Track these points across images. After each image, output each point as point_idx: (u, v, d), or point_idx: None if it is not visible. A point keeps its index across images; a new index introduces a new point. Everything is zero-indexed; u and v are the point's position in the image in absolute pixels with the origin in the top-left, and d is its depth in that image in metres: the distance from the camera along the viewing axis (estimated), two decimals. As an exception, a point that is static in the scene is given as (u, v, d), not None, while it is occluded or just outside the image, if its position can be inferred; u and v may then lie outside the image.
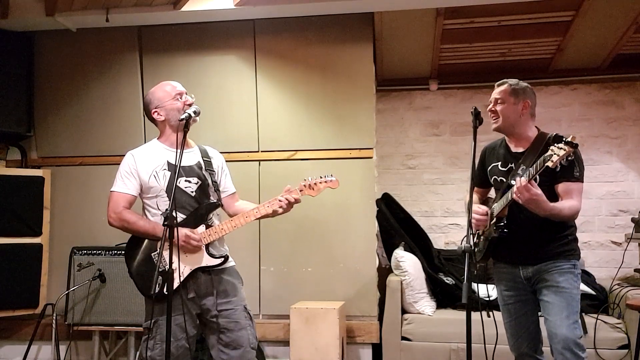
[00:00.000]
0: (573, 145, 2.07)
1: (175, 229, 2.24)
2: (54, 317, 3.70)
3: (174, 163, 2.44)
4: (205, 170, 2.57)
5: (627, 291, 3.63)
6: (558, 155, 2.08)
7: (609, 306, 3.74)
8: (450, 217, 4.71)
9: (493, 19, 3.93)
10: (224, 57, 4.00)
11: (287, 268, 3.84)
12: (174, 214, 2.35)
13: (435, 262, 4.15)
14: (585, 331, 3.43)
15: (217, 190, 2.60)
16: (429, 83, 4.76)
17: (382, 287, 3.85)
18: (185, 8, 3.75)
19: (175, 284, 2.41)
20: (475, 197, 2.70)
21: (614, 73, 4.52)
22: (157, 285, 2.28)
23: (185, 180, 2.51)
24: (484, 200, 2.74)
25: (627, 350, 3.43)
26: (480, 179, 2.70)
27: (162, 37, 4.05)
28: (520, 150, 2.51)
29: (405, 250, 3.97)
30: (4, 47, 3.93)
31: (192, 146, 2.62)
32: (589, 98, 4.60)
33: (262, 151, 3.93)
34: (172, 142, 2.48)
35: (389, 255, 4.06)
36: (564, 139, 2.10)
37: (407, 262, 3.82)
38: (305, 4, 3.68)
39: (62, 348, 3.75)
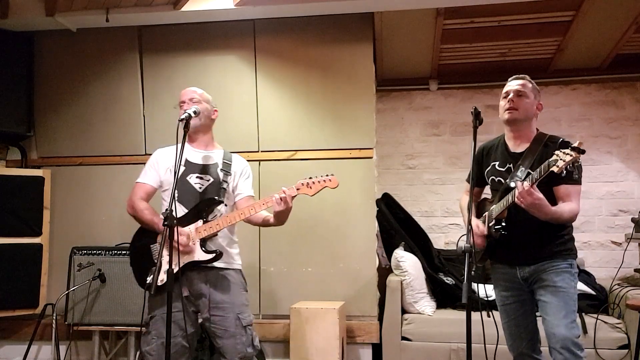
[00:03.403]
0: (580, 151, 2.05)
1: (175, 228, 2.26)
2: (54, 317, 3.69)
3: (191, 161, 2.61)
4: (221, 170, 2.62)
5: (627, 291, 3.63)
6: (564, 161, 2.06)
7: (609, 306, 3.74)
8: (450, 217, 4.71)
9: (493, 19, 3.93)
10: (224, 57, 4.00)
11: (287, 268, 3.84)
12: (181, 209, 2.49)
13: (435, 262, 4.15)
14: (585, 331, 3.43)
15: (227, 190, 2.61)
16: (429, 83, 4.77)
17: (382, 287, 3.85)
18: (185, 8, 3.75)
19: (165, 279, 2.39)
20: (466, 198, 2.69)
21: (614, 73, 4.52)
22: (156, 279, 2.27)
23: (197, 177, 2.58)
24: (480, 202, 2.73)
25: (627, 350, 3.43)
26: (477, 178, 2.68)
27: (162, 37, 4.05)
28: (519, 150, 2.50)
29: (405, 250, 3.97)
30: (4, 47, 3.93)
31: (217, 148, 2.71)
32: (589, 98, 4.60)
33: (262, 151, 3.93)
34: (194, 141, 2.66)
35: (389, 255, 4.06)
36: (570, 145, 2.08)
37: (407, 262, 3.82)
38: (305, 4, 3.68)
39: (62, 348, 3.75)
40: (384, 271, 4.08)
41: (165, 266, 2.40)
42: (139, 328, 3.52)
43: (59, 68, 4.15)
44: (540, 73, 4.52)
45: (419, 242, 4.19)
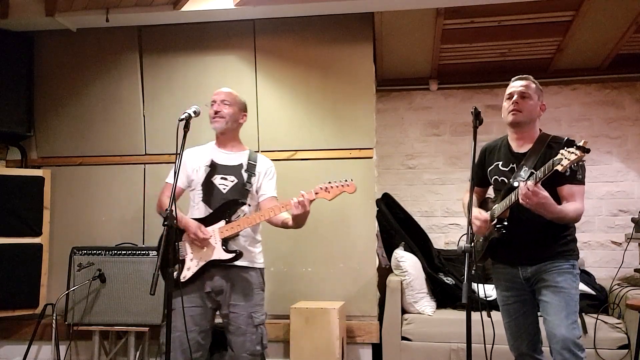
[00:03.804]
0: (585, 150, 2.04)
1: (175, 225, 2.34)
2: (54, 317, 3.69)
3: (216, 162, 2.71)
4: (245, 171, 2.70)
5: (627, 291, 3.63)
6: (569, 160, 2.05)
7: (609, 306, 3.74)
8: (450, 217, 4.71)
9: (493, 19, 3.93)
10: (224, 57, 4.00)
11: (287, 268, 3.84)
12: (206, 209, 2.61)
13: (435, 262, 4.15)
14: (585, 331, 3.43)
15: (250, 191, 2.69)
16: (429, 83, 4.77)
17: (382, 287, 3.85)
18: (185, 8, 3.75)
19: (187, 276, 2.57)
20: (473, 197, 2.68)
21: (614, 73, 4.52)
22: (156, 279, 2.29)
23: (222, 178, 2.67)
24: (482, 201, 2.73)
25: (627, 350, 3.43)
26: (479, 178, 2.68)
27: (162, 37, 4.05)
28: (522, 150, 2.50)
29: (405, 250, 3.97)
30: (4, 47, 3.93)
31: (244, 149, 2.80)
32: (589, 98, 4.60)
33: (262, 151, 3.91)
34: (221, 142, 2.78)
35: (389, 255, 4.06)
36: (575, 144, 2.07)
37: (407, 262, 3.83)
38: (305, 4, 3.68)
39: (62, 348, 3.75)
40: (384, 271, 4.08)
41: (188, 263, 2.57)
42: (139, 328, 3.53)
43: (59, 68, 4.15)
44: (540, 73, 4.52)
45: (419, 242, 4.19)
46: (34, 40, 4.13)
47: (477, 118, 2.36)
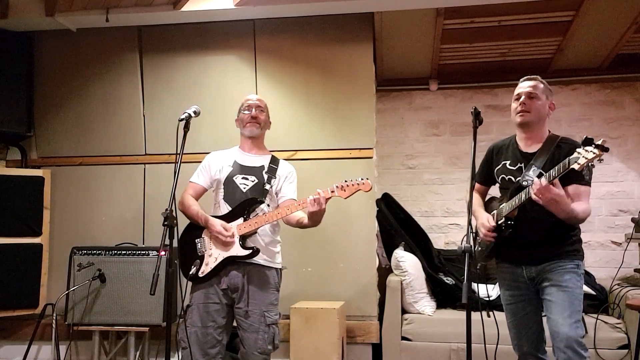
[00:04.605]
0: (604, 149, 2.03)
1: (175, 226, 2.37)
2: (54, 317, 3.70)
3: (239, 163, 2.78)
4: (266, 173, 2.75)
5: (627, 291, 3.63)
6: (586, 158, 2.05)
7: (609, 306, 3.74)
8: (450, 217, 4.71)
9: (493, 19, 3.93)
10: (224, 57, 4.00)
11: (287, 268, 3.83)
12: (225, 207, 2.68)
13: (435, 262, 4.15)
14: (585, 331, 3.42)
15: (269, 192, 2.73)
16: (429, 83, 4.77)
17: (382, 287, 3.85)
18: (185, 8, 3.75)
19: (206, 271, 2.63)
20: (476, 195, 2.69)
21: (614, 73, 4.52)
22: (156, 279, 2.29)
23: (243, 178, 2.73)
24: (487, 201, 2.73)
25: (627, 350, 3.43)
26: (484, 177, 2.69)
27: (162, 37, 4.05)
28: (531, 150, 2.49)
29: (405, 250, 3.97)
30: (4, 47, 3.93)
31: (267, 153, 2.88)
32: (589, 98, 4.60)
33: (262, 151, 3.93)
34: (245, 146, 2.84)
35: (389, 255, 4.06)
36: (594, 142, 2.06)
37: (407, 262, 3.83)
38: (305, 4, 3.68)
39: (62, 348, 3.75)
40: (384, 271, 4.08)
41: (206, 259, 2.64)
42: (139, 328, 3.54)
43: (59, 68, 4.15)
44: (540, 73, 4.42)
45: (419, 242, 4.19)
46: (34, 40, 4.13)
47: (477, 118, 2.37)
